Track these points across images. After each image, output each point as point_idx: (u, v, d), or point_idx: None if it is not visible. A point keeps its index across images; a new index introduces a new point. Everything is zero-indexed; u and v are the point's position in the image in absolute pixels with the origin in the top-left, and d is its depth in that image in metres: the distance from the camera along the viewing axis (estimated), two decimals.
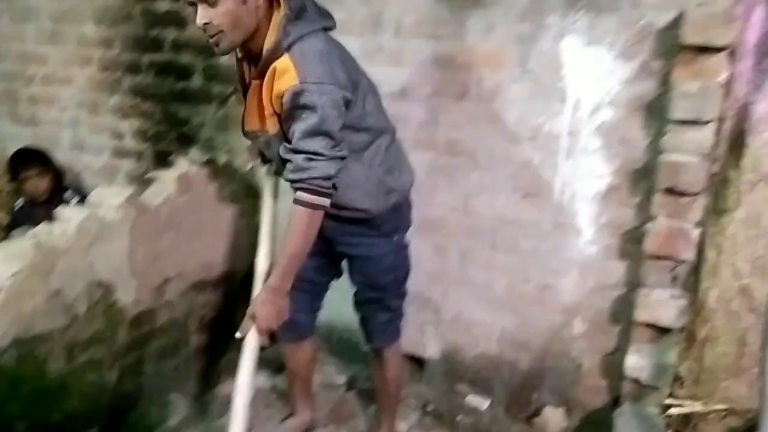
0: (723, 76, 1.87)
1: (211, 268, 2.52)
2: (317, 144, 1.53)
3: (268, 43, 1.56)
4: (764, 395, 1.79)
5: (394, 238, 1.90)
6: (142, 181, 2.35)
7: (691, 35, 1.84)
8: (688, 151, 1.91)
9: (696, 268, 2.04)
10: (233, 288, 2.59)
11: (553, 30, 2.08)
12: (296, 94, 1.51)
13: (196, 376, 2.50)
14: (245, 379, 1.68)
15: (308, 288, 1.95)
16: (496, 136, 2.23)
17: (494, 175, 2.26)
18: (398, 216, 1.89)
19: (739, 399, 2.04)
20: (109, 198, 2.10)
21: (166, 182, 2.31)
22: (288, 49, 1.54)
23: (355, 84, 1.63)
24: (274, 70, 1.55)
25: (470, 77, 2.23)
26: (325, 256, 1.92)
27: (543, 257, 2.24)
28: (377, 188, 1.77)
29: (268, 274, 1.73)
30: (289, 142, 1.57)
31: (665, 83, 1.95)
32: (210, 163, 2.46)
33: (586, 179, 2.13)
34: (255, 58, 1.62)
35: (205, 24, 1.52)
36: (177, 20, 2.71)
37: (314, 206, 1.56)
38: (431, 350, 2.48)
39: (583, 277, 2.20)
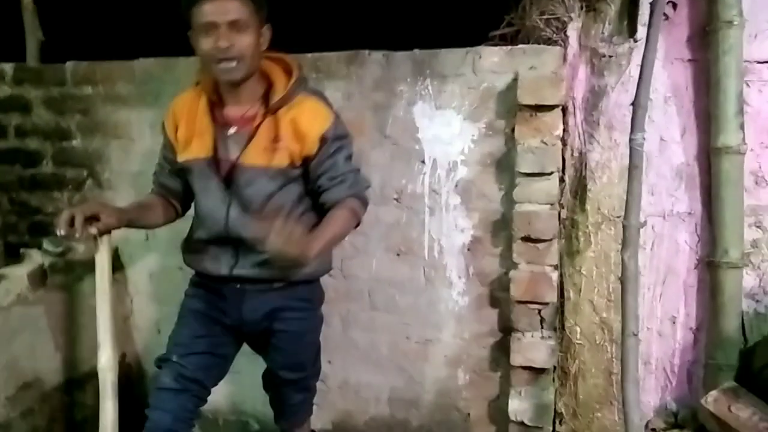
0: (559, 131, 2.06)
1: (77, 365, 2.32)
2: (354, 165, 1.78)
3: (282, 85, 1.68)
4: (629, 421, 1.91)
5: (318, 312, 1.91)
6: None
7: (525, 96, 2.01)
8: (538, 200, 2.05)
9: (560, 308, 2.17)
10: None
11: (404, 97, 2.19)
12: (336, 126, 1.70)
13: None
14: None
15: (194, 390, 1.77)
16: None
17: (366, 237, 2.30)
18: (320, 286, 1.92)
19: (612, 427, 2.16)
20: None
21: (16, 279, 2.13)
22: (306, 90, 1.72)
23: None
24: (299, 108, 1.67)
25: None
26: (220, 351, 1.82)
27: (421, 312, 2.29)
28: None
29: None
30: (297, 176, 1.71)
31: (511, 140, 2.10)
32: (66, 253, 2.30)
33: (451, 233, 2.22)
34: (241, 98, 1.68)
35: (229, 47, 1.57)
36: (21, 105, 2.56)
37: (358, 217, 1.73)
38: (322, 421, 2.42)
39: (461, 328, 2.26)
